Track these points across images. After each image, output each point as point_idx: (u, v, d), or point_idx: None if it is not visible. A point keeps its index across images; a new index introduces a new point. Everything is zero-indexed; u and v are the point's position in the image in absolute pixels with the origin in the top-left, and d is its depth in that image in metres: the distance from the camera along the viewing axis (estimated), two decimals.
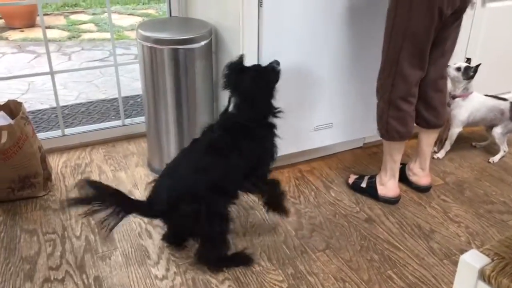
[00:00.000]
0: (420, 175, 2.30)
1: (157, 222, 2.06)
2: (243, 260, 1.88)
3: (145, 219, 2.08)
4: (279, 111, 1.87)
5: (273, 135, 1.89)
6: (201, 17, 2.43)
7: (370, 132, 2.43)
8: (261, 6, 2.01)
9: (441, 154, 2.59)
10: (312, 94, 2.29)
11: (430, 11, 1.82)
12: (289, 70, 2.17)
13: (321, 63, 2.22)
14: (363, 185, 2.28)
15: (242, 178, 1.83)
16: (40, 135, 2.46)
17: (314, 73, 2.23)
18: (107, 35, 5.06)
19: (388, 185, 2.22)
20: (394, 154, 2.15)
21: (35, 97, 3.48)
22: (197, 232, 1.80)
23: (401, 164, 2.24)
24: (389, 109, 2.03)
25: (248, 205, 2.21)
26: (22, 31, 5.26)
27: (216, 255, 1.82)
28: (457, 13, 1.90)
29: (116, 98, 2.84)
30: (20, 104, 2.25)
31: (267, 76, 1.86)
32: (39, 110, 3.17)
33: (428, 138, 2.23)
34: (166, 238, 1.97)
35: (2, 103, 2.26)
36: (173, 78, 2.19)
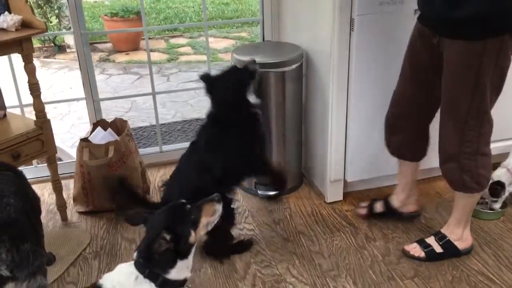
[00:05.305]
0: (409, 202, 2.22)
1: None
2: (245, 246, 2.09)
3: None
4: (254, 106, 2.01)
5: (255, 123, 2.02)
6: (293, 41, 2.50)
7: None
8: (352, 30, 2.04)
9: None
10: None
11: None
12: (378, 92, 2.16)
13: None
14: (439, 250, 2.00)
15: (244, 165, 2.00)
16: (141, 151, 2.65)
17: None
18: (203, 57, 5.35)
19: (465, 236, 2.01)
20: (474, 205, 2.01)
21: (137, 115, 3.77)
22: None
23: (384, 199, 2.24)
24: (477, 160, 1.83)
25: (335, 226, 2.21)
26: (128, 54, 5.72)
27: (222, 246, 2.03)
28: None
29: None
30: (125, 122, 2.46)
31: (238, 78, 2.00)
32: (140, 127, 3.43)
33: (418, 167, 2.15)
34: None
35: (110, 121, 2.49)
36: (263, 100, 2.27)
